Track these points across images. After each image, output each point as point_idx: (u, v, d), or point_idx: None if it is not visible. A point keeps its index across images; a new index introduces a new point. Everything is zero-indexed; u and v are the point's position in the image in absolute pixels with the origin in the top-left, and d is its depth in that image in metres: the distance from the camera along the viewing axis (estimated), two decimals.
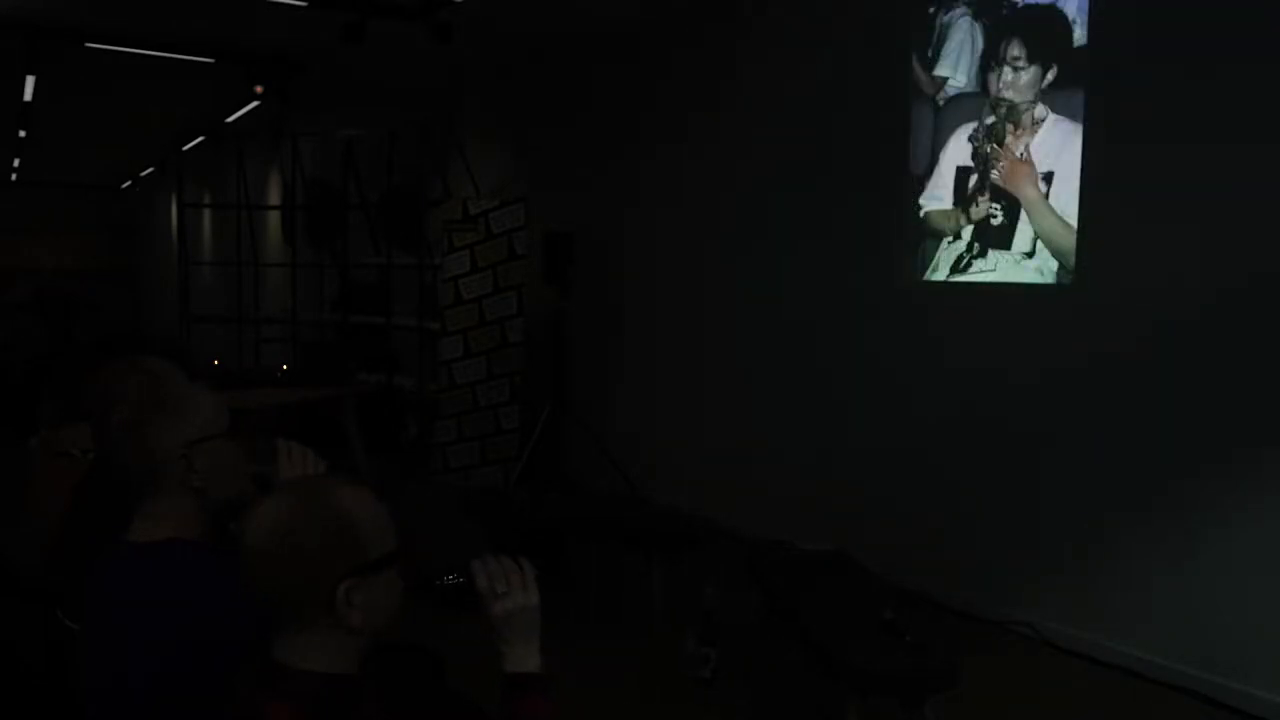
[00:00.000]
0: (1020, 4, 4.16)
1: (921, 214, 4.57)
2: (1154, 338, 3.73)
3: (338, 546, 1.29)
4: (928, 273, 4.57)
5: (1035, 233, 4.12)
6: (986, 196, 4.30)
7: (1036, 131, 4.09)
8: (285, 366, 7.42)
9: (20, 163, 14.20)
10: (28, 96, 8.39)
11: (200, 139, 11.18)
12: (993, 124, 4.25)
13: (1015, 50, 4.15)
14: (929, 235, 4.55)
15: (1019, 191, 4.18)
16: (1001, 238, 4.25)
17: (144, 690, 1.51)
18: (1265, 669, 3.38)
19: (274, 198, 10.63)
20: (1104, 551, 3.87)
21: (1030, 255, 4.15)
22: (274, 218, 10.73)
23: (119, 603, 1.59)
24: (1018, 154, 4.16)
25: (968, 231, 4.38)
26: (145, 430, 1.68)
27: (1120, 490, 3.83)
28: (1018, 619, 4.09)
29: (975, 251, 4.37)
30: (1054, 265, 4.07)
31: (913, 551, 4.45)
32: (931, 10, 4.46)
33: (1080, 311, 3.96)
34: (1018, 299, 4.18)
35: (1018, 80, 4.14)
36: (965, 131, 4.37)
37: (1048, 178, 4.05)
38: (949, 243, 4.47)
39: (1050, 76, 4.03)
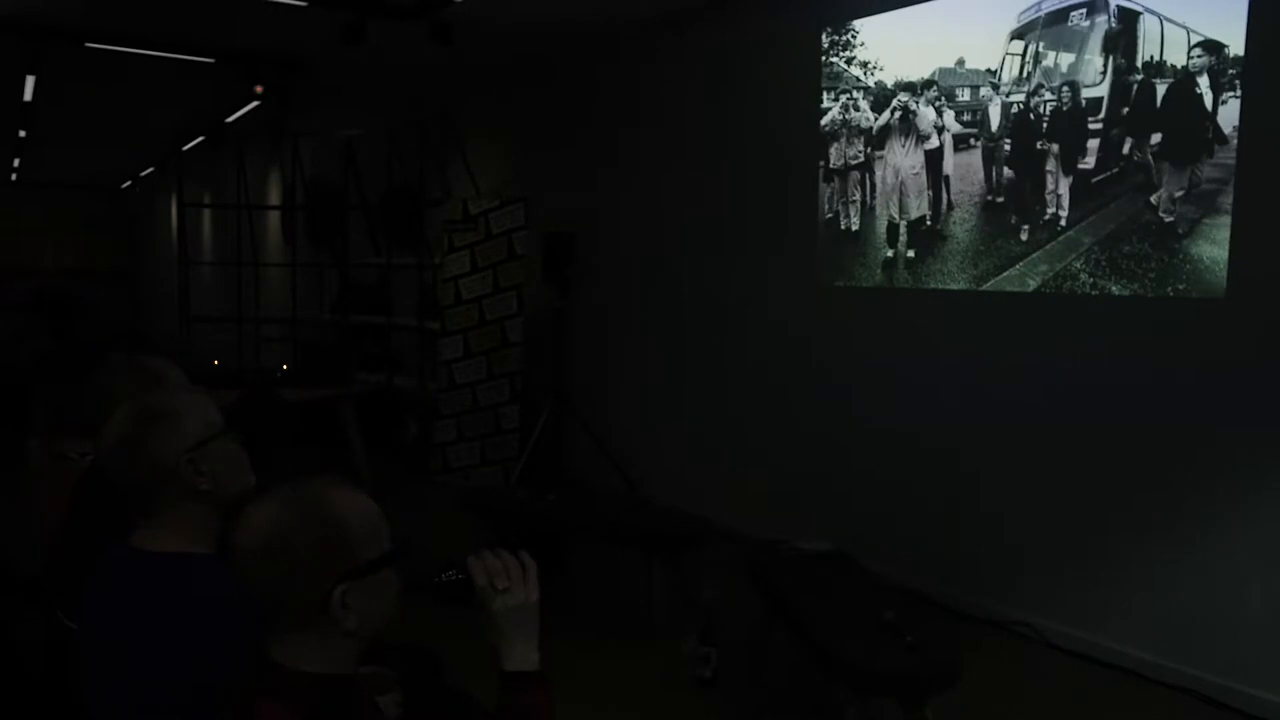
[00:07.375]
0: None
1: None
2: (1153, 337, 3.74)
3: (330, 550, 1.28)
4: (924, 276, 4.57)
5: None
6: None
7: None
8: (285, 366, 7.41)
9: (20, 163, 14.20)
10: (28, 96, 8.39)
11: (200, 139, 11.17)
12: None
13: None
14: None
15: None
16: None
17: (145, 696, 1.50)
18: (1265, 669, 3.38)
19: (274, 198, 10.63)
20: (1104, 551, 3.87)
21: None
22: (274, 218, 10.74)
23: (124, 611, 1.57)
24: None
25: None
26: (143, 444, 1.65)
27: (1120, 490, 3.83)
28: (1018, 619, 4.10)
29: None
30: None
31: (913, 551, 4.45)
32: None
33: (1067, 313, 3.96)
34: (1019, 302, 4.19)
35: None
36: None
37: None
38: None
39: None
